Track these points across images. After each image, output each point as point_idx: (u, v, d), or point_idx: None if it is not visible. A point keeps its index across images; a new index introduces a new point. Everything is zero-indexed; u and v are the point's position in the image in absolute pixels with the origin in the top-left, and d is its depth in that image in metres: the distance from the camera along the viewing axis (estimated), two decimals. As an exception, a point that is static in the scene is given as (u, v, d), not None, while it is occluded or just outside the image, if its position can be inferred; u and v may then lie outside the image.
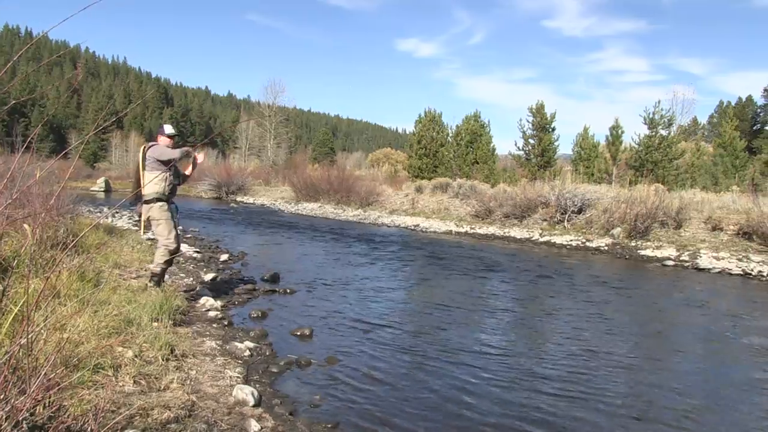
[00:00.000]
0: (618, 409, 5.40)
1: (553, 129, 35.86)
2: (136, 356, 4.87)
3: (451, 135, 40.32)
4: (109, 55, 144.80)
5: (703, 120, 67.39)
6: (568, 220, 22.16)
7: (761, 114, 65.03)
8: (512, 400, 5.52)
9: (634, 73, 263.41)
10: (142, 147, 7.91)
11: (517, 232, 22.37)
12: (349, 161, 77.30)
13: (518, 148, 36.75)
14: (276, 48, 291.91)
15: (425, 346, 7.28)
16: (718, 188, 27.50)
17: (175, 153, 7.54)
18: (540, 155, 35.36)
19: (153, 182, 7.51)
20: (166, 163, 7.55)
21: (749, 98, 66.46)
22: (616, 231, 19.92)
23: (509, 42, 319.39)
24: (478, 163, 37.17)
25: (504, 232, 22.69)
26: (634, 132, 55.26)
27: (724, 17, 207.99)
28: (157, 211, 7.65)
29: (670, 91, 67.18)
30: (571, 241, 20.10)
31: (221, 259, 13.00)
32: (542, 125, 35.53)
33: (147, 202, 7.67)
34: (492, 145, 38.19)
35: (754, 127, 62.34)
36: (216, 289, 9.54)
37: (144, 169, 7.61)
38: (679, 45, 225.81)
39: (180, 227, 8.25)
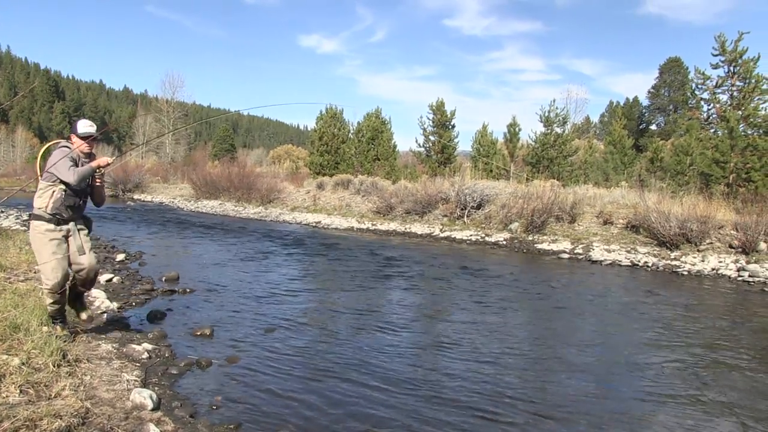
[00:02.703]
0: (515, 402, 5.55)
1: (453, 126, 36.54)
2: (23, 363, 4.61)
3: (352, 132, 40.39)
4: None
5: (594, 119, 70.11)
6: (467, 216, 22.62)
7: (646, 114, 68.47)
8: (411, 399, 5.57)
9: (530, 72, 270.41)
10: (44, 147, 6.38)
11: (418, 228, 22.67)
12: (250, 158, 76.10)
13: (419, 144, 37.24)
14: (174, 41, 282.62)
15: (326, 344, 7.26)
16: (609, 184, 28.69)
17: (70, 177, 5.76)
18: (440, 152, 35.90)
19: (37, 195, 5.86)
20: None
21: (636, 99, 69.74)
22: (514, 226, 20.48)
23: (411, 40, 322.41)
24: (379, 159, 37.38)
25: (405, 228, 22.94)
26: (530, 129, 57.22)
27: (612, 22, 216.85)
28: (31, 233, 5.92)
29: (565, 90, 69.83)
30: (471, 236, 20.53)
31: (118, 260, 12.58)
32: (442, 122, 36.09)
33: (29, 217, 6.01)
34: (393, 141, 38.51)
35: (641, 126, 65.52)
36: (112, 290, 9.22)
37: (41, 176, 5.98)
38: (573, 47, 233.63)
39: (91, 253, 6.17)
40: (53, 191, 5.81)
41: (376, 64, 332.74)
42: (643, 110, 68.58)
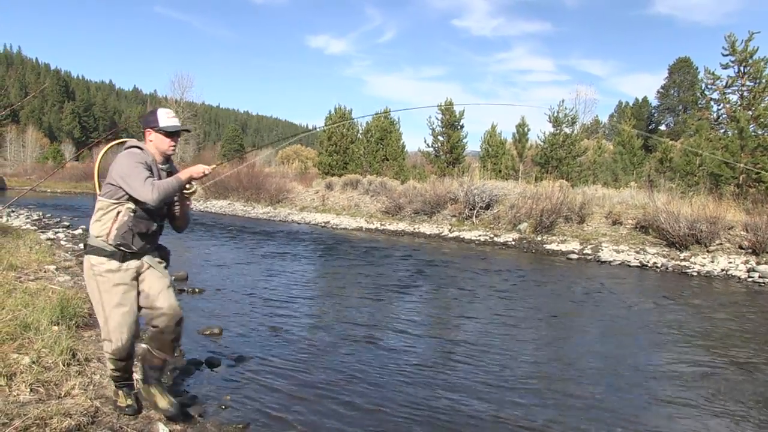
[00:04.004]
0: (522, 406, 5.54)
1: (462, 126, 36.50)
2: (33, 362, 4.61)
3: (361, 132, 40.40)
4: (0, 44, 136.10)
5: (603, 119, 69.92)
6: (476, 216, 22.58)
7: (655, 114, 68.29)
8: (422, 401, 5.56)
9: (539, 72, 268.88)
10: (104, 149, 4.45)
11: (426, 228, 22.65)
12: (259, 158, 76.27)
13: (427, 145, 37.20)
14: (183, 42, 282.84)
15: (335, 345, 7.24)
16: (618, 184, 28.60)
17: (147, 193, 3.75)
18: (449, 152, 35.87)
19: (95, 217, 3.96)
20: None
21: (645, 99, 69.61)
22: (523, 226, 20.43)
23: (419, 40, 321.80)
24: (388, 159, 37.36)
25: (414, 228, 22.93)
26: (539, 130, 56.19)
27: (621, 22, 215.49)
28: (86, 273, 4.03)
29: (574, 90, 69.34)
30: (480, 236, 20.51)
31: (126, 259, 12.58)
32: (451, 123, 36.05)
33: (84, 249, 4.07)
34: (402, 142, 38.48)
35: (650, 127, 65.36)
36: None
37: (99, 190, 4.05)
38: (582, 47, 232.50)
39: (170, 291, 4.41)
40: (118, 212, 3.90)
41: (384, 65, 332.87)
42: (653, 110, 68.48)
